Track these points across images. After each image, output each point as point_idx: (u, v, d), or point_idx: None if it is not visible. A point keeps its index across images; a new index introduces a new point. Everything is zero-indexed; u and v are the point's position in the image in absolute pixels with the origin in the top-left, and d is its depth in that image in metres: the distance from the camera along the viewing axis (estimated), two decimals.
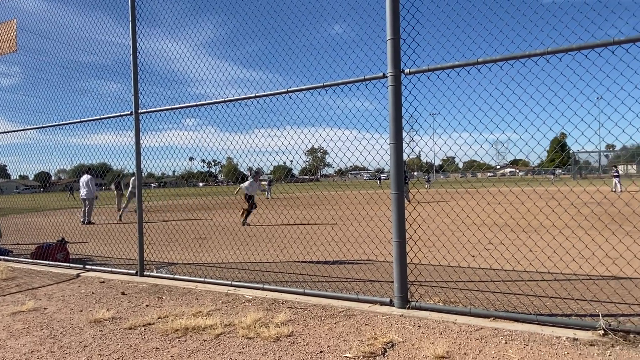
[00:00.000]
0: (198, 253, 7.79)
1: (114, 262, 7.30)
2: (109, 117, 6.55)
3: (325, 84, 4.68)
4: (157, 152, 6.31)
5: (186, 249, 8.39)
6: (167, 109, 5.97)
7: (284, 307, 4.48)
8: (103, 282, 5.83)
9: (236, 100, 5.33)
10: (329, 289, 5.01)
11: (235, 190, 13.66)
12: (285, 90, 5.00)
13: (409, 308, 4.23)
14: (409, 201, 19.35)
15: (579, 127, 3.64)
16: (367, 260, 6.73)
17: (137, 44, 6.18)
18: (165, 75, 6.29)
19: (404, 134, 4.28)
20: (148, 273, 6.08)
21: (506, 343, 3.40)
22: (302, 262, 6.68)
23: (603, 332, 3.43)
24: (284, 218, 12.48)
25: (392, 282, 4.32)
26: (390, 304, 4.34)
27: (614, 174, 25.02)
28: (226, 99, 5.39)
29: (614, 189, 23.52)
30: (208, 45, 6.16)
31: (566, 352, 3.19)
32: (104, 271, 6.42)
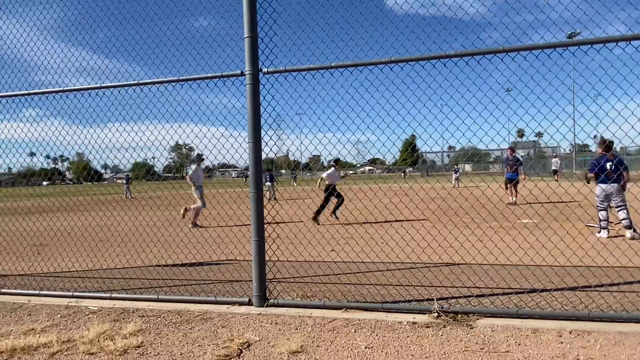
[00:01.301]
0: (34, 262, 6.83)
1: None
2: None
3: (180, 78, 4.45)
4: None
5: (20, 258, 7.30)
6: None
7: (134, 317, 4.17)
8: None
9: (77, 90, 4.78)
10: (186, 293, 4.80)
11: (317, 182, 11.93)
12: (136, 82, 4.64)
13: (267, 306, 4.25)
14: (275, 199, 19.61)
15: (428, 130, 4.05)
16: (228, 260, 6.61)
17: None
18: None
19: (269, 132, 4.30)
20: None
21: (355, 332, 3.62)
22: (159, 266, 6.29)
23: (437, 314, 3.85)
24: (141, 219, 11.59)
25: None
26: (249, 303, 4.32)
27: (454, 171, 28.64)
28: (65, 88, 4.80)
29: (453, 185, 26.78)
30: (52, 28, 5.40)
31: (406, 336, 3.51)
32: None
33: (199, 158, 11.54)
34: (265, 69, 4.21)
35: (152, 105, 4.75)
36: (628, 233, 7.49)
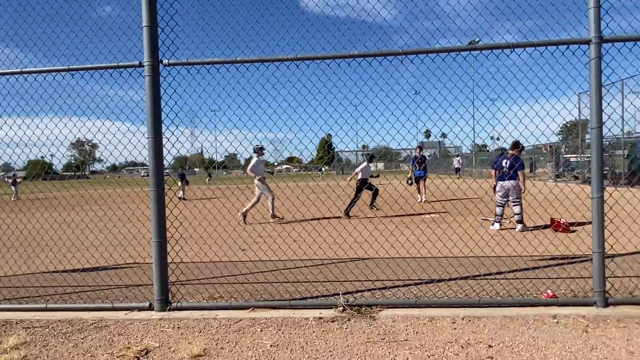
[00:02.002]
0: None
1: None
2: None
3: (70, 67, 4.09)
4: None
5: None
6: None
7: (17, 328, 3.77)
8: None
9: None
10: (79, 301, 4.43)
11: (349, 177, 11.75)
12: (19, 70, 4.18)
13: (170, 310, 4.07)
14: (184, 199, 18.94)
15: (343, 129, 4.13)
16: (127, 264, 6.20)
17: None
18: None
19: (176, 127, 4.10)
20: None
21: (262, 331, 3.58)
22: (49, 272, 5.74)
23: (342, 308, 3.93)
24: (26, 222, 10.47)
25: None
26: (150, 308, 4.09)
27: None
28: None
29: None
30: None
31: (312, 331, 3.54)
32: None
33: (260, 149, 10.85)
34: (165, 61, 4.01)
35: (38, 96, 4.32)
36: (518, 227, 8.27)
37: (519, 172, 8.39)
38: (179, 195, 19.46)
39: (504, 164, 8.44)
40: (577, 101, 22.18)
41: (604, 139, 3.86)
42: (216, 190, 25.81)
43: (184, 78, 4.05)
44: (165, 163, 4.12)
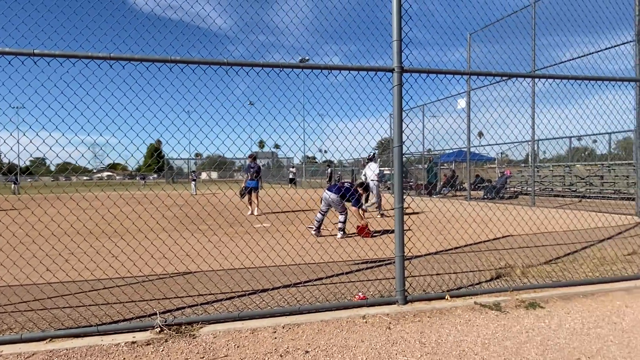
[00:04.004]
0: None
1: None
2: None
3: None
4: None
5: None
6: None
7: None
8: None
9: None
10: None
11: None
12: None
13: None
14: None
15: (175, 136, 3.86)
16: None
17: None
18: None
19: None
20: None
21: None
22: None
23: (160, 329, 3.67)
24: None
25: None
26: None
27: (192, 178, 28.96)
28: None
29: (193, 193, 26.74)
30: None
31: (123, 358, 3.21)
32: None
33: (376, 156, 13.08)
34: None
35: None
36: (339, 234, 9.04)
37: (353, 209, 9.09)
38: None
39: (341, 185, 9.28)
40: (389, 120, 25.26)
41: (405, 155, 4.43)
42: (17, 200, 21.99)
43: None
44: None
